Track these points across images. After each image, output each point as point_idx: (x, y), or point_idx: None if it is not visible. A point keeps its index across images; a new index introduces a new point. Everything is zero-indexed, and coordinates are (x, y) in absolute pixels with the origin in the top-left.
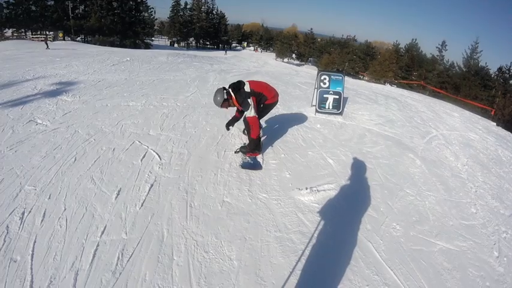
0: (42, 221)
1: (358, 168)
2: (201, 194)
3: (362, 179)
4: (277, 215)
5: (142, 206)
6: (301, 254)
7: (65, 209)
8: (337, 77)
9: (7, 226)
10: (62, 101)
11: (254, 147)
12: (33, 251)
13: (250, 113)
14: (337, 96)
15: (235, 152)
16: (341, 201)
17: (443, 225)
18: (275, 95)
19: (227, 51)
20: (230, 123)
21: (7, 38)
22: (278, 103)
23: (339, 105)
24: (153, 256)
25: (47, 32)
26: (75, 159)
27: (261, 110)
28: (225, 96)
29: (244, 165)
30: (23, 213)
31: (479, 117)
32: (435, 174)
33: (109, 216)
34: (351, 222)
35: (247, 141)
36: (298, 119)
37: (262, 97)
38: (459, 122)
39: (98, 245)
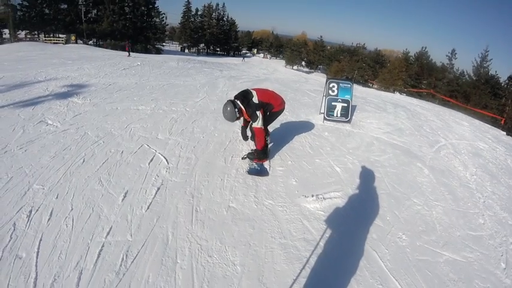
0: (49, 219)
1: (365, 176)
2: (207, 199)
3: (369, 188)
4: (283, 222)
5: (148, 208)
6: (305, 261)
7: (72, 209)
8: (345, 85)
9: (14, 223)
10: (72, 103)
11: (261, 155)
12: (38, 248)
13: (258, 124)
14: (346, 104)
15: (242, 158)
16: (347, 209)
17: (450, 235)
18: (281, 102)
19: (244, 58)
20: (244, 134)
21: (20, 40)
22: (286, 110)
23: (347, 113)
24: (157, 258)
25: (59, 35)
26: (83, 161)
27: (267, 118)
28: (237, 115)
29: (251, 171)
30: (30, 211)
31: (489, 126)
32: (443, 184)
33: (115, 217)
34: (357, 231)
35: (254, 147)
36: (306, 126)
37: (269, 106)
38: (468, 131)
39: (102, 246)
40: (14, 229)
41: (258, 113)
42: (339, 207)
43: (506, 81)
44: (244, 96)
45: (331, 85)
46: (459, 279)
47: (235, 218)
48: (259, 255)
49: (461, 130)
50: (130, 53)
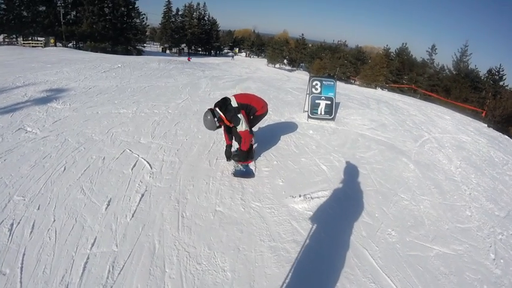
0: (31, 232)
1: (352, 174)
2: (192, 204)
3: (356, 185)
4: (271, 224)
5: (133, 216)
6: (295, 263)
7: (54, 220)
8: (329, 83)
9: None
10: (52, 108)
11: (246, 156)
12: (22, 263)
13: (242, 127)
14: (329, 102)
15: (227, 160)
16: (335, 208)
17: (439, 229)
18: (264, 105)
19: (234, 57)
20: (228, 153)
21: None
22: (270, 109)
23: (331, 110)
24: (144, 269)
25: (38, 38)
26: (64, 169)
27: (251, 121)
28: (217, 124)
29: (237, 173)
30: (11, 225)
31: (471, 119)
32: (429, 178)
33: (99, 227)
34: (346, 230)
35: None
36: (291, 125)
37: (252, 109)
38: (451, 124)
39: (88, 258)
40: None
41: (239, 115)
42: (327, 206)
43: (486, 75)
44: (223, 102)
45: (314, 83)
46: (450, 272)
47: (223, 222)
48: (249, 259)
49: (444, 124)
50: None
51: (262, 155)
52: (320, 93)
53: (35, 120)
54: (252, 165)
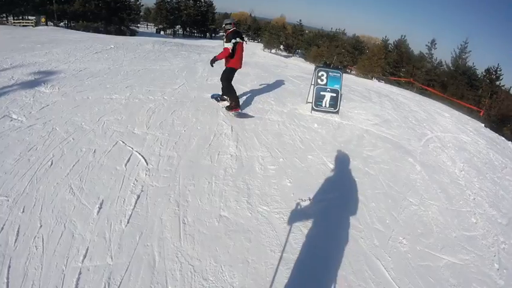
0: (16, 240)
1: (361, 174)
2: (194, 207)
3: (365, 187)
4: (281, 232)
5: (128, 222)
6: (308, 276)
7: (41, 226)
8: (335, 74)
9: None
10: (39, 92)
11: (228, 89)
12: (8, 278)
13: (226, 45)
14: (335, 94)
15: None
16: (345, 212)
17: (447, 237)
18: (237, 63)
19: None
20: (213, 62)
21: None
22: (271, 99)
23: (336, 103)
24: (144, 286)
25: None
26: (51, 163)
27: (229, 72)
28: (230, 26)
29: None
30: None
31: (468, 117)
32: (435, 181)
33: (91, 235)
34: (358, 238)
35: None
36: (294, 117)
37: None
38: (451, 122)
39: (80, 273)
40: None
41: (231, 42)
42: (337, 210)
43: (484, 74)
44: (238, 34)
45: (320, 73)
46: (458, 283)
47: (229, 229)
48: (259, 273)
49: (444, 122)
50: None
51: (267, 149)
52: (326, 84)
53: (21, 106)
54: (257, 161)
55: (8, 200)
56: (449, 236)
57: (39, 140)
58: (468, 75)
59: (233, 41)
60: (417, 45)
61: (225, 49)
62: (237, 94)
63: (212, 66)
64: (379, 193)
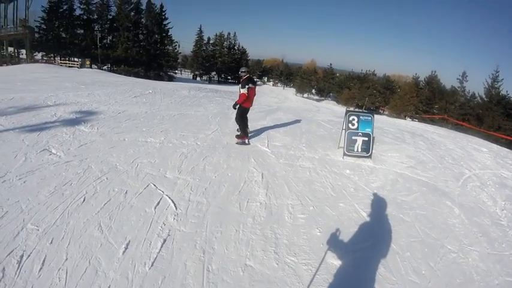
0: (40, 269)
1: (395, 222)
2: (220, 255)
3: (400, 236)
4: (308, 284)
5: (152, 265)
6: None
7: (67, 259)
8: (366, 118)
9: (3, 268)
10: (79, 131)
11: (240, 122)
12: None
13: (242, 90)
14: (367, 138)
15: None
16: (379, 265)
17: (488, 285)
18: (249, 103)
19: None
20: (235, 106)
21: (36, 61)
22: (303, 144)
23: (368, 147)
24: None
25: (75, 59)
26: (84, 200)
27: (242, 110)
28: (245, 73)
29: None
30: (21, 256)
31: (508, 150)
32: (475, 224)
33: (114, 274)
34: None
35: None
36: (326, 163)
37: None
38: (489, 158)
39: None
40: (3, 276)
41: (245, 88)
42: (370, 263)
43: None
44: (250, 79)
45: (350, 118)
46: None
47: (254, 280)
48: None
49: (483, 158)
50: None
51: (297, 197)
52: (357, 128)
53: (60, 142)
54: (287, 209)
55: (38, 230)
56: (491, 283)
57: (75, 176)
58: (503, 104)
59: (247, 86)
60: (448, 80)
61: (242, 94)
62: (269, 141)
63: (235, 108)
64: (414, 241)
